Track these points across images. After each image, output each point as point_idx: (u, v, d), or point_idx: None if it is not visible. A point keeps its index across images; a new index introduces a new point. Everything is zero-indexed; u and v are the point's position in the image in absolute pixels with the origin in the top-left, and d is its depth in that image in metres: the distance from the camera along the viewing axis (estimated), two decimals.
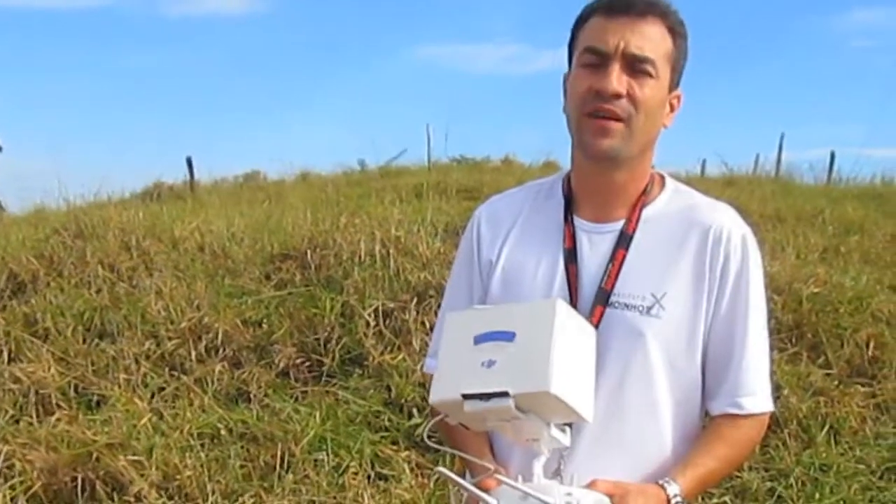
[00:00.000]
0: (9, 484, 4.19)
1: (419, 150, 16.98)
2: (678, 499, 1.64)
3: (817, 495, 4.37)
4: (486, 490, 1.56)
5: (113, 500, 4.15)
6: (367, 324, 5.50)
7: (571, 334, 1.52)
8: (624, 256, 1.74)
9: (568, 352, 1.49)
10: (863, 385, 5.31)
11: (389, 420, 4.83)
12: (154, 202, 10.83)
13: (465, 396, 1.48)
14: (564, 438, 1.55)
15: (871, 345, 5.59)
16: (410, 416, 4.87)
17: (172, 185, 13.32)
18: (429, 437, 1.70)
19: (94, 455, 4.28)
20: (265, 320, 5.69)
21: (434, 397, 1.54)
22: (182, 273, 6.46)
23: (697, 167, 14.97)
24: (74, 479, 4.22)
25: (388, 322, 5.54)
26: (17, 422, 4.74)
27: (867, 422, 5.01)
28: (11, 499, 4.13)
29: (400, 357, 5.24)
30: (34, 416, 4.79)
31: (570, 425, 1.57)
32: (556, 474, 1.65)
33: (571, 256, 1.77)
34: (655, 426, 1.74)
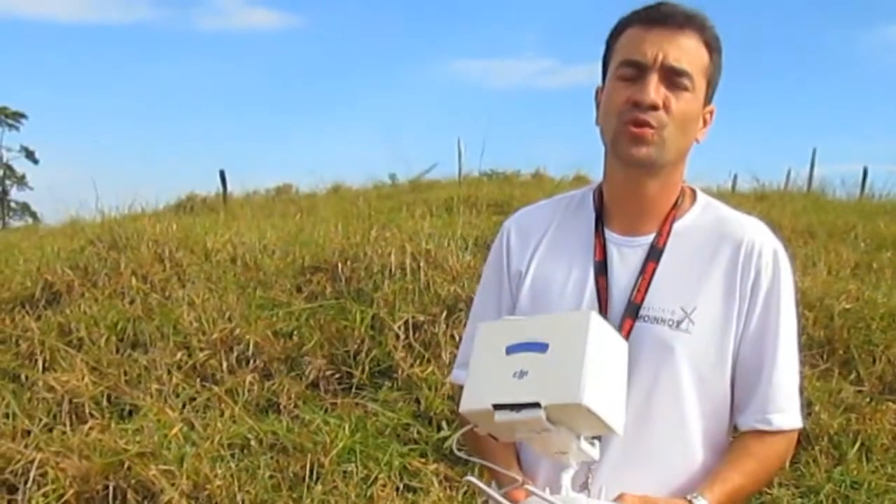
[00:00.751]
0: (42, 491, 4.23)
1: (450, 163, 17.01)
2: None
3: None
4: (514, 501, 1.57)
5: None
6: (397, 336, 5.51)
7: (604, 347, 1.51)
8: (654, 270, 1.74)
9: (600, 364, 1.48)
10: (894, 402, 5.26)
11: (418, 432, 4.84)
12: (187, 214, 10.92)
13: (496, 406, 1.47)
14: (593, 451, 1.54)
15: None
16: (439, 428, 4.88)
17: (205, 197, 13.44)
18: (458, 448, 1.71)
19: (126, 464, 4.31)
20: (296, 332, 5.72)
21: (464, 406, 1.53)
22: (214, 284, 6.51)
23: (729, 182, 14.90)
24: (106, 487, 4.26)
25: (417, 335, 5.55)
26: (51, 430, 4.79)
27: None
28: None
29: (429, 370, 5.25)
30: (67, 424, 4.84)
31: (598, 438, 1.56)
32: (584, 487, 1.65)
33: (601, 269, 1.78)
34: (683, 440, 1.74)
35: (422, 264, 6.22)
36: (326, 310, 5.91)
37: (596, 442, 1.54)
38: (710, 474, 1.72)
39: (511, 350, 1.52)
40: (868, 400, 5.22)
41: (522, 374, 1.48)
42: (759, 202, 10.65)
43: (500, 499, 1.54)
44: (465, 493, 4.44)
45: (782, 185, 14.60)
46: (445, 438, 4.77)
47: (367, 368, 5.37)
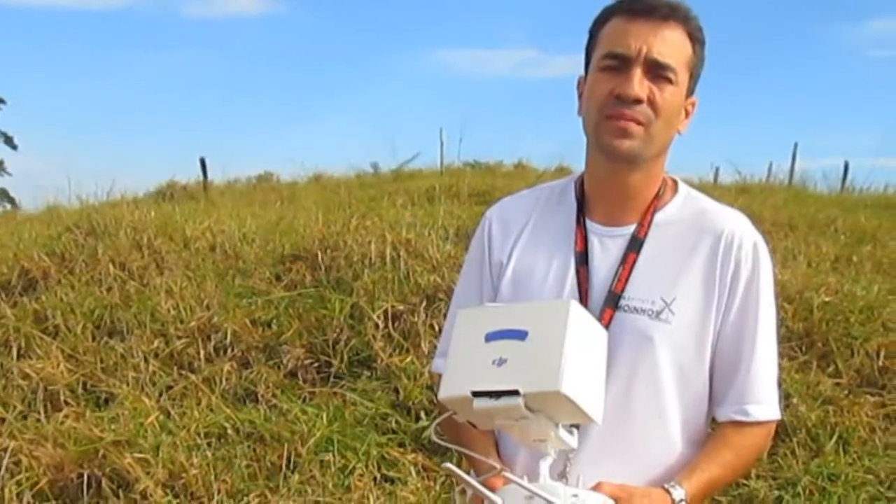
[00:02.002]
0: (15, 479, 4.20)
1: (432, 153, 17.01)
2: (683, 503, 1.64)
3: None
4: (491, 489, 1.55)
5: (119, 497, 4.16)
6: (376, 326, 5.50)
7: (584, 335, 1.51)
8: (635, 260, 1.74)
9: (580, 353, 1.48)
10: (872, 395, 5.28)
11: (397, 422, 4.83)
12: (167, 202, 10.86)
13: (475, 394, 1.46)
14: (572, 440, 1.53)
15: (882, 354, 5.56)
16: (418, 418, 4.87)
17: (186, 185, 13.37)
18: (437, 435, 1.70)
19: (101, 452, 4.28)
20: (274, 321, 5.70)
21: (443, 393, 1.53)
22: (193, 273, 6.47)
23: (710, 174, 14.92)
24: (81, 475, 4.23)
25: (396, 324, 5.54)
26: (25, 418, 4.76)
27: (876, 431, 4.98)
28: (17, 494, 4.14)
29: (408, 359, 5.24)
30: (42, 412, 4.81)
31: (577, 427, 1.56)
32: (562, 476, 1.64)
33: (582, 259, 1.77)
34: (662, 430, 1.74)
35: (402, 254, 6.21)
36: (305, 299, 5.89)
37: (574, 431, 1.54)
38: (688, 464, 1.72)
39: (490, 337, 1.51)
40: (846, 393, 5.24)
41: (501, 361, 1.47)
42: (740, 195, 10.67)
43: (478, 486, 1.53)
44: (442, 482, 4.43)
45: (764, 178, 14.68)
46: (424, 428, 4.76)
47: (345, 358, 5.35)
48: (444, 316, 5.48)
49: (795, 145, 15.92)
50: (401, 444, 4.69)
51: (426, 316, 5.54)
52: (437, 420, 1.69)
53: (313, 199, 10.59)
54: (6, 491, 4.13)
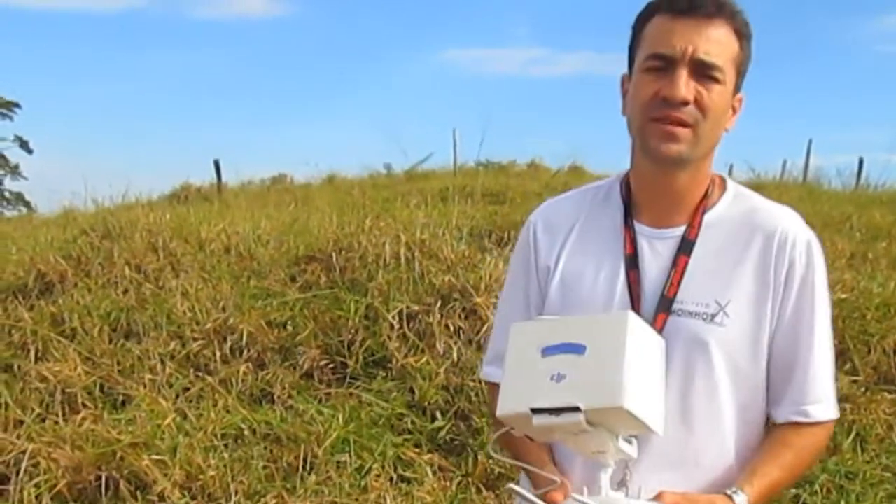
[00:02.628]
0: (34, 482, 4.21)
1: (444, 153, 17.01)
2: None
3: (843, 503, 4.34)
4: (553, 503, 1.55)
5: (136, 499, 4.17)
6: (391, 326, 5.50)
7: (642, 347, 1.49)
8: (686, 263, 1.71)
9: (640, 365, 1.46)
10: (890, 392, 5.26)
11: (412, 423, 4.83)
12: (181, 204, 10.91)
13: (535, 411, 1.45)
14: (631, 450, 1.52)
15: None
16: (433, 418, 4.87)
17: (200, 187, 13.44)
18: (494, 450, 1.68)
19: (119, 454, 4.29)
20: (290, 322, 5.70)
21: (501, 410, 1.51)
22: (208, 274, 6.49)
23: (725, 172, 14.89)
24: (99, 477, 4.24)
25: (412, 325, 5.53)
26: (43, 420, 4.77)
27: (894, 429, 4.97)
28: (37, 497, 4.16)
29: (423, 360, 5.23)
30: (60, 414, 4.82)
31: (635, 436, 1.54)
32: (622, 485, 1.62)
33: (632, 262, 1.74)
34: (719, 434, 1.72)
35: (416, 254, 6.20)
36: (320, 300, 5.90)
37: (633, 440, 1.53)
38: (748, 468, 1.70)
39: (547, 352, 1.50)
40: (863, 390, 5.22)
41: (560, 376, 1.46)
42: (754, 192, 10.63)
43: None
44: (458, 483, 4.44)
45: (778, 176, 14.63)
46: (440, 429, 4.77)
47: (361, 358, 5.35)
48: (459, 316, 5.54)
49: (810, 142, 15.90)
50: (417, 445, 4.69)
51: (441, 316, 5.54)
52: (495, 436, 1.67)
53: (327, 200, 10.61)
54: (25, 493, 4.14)
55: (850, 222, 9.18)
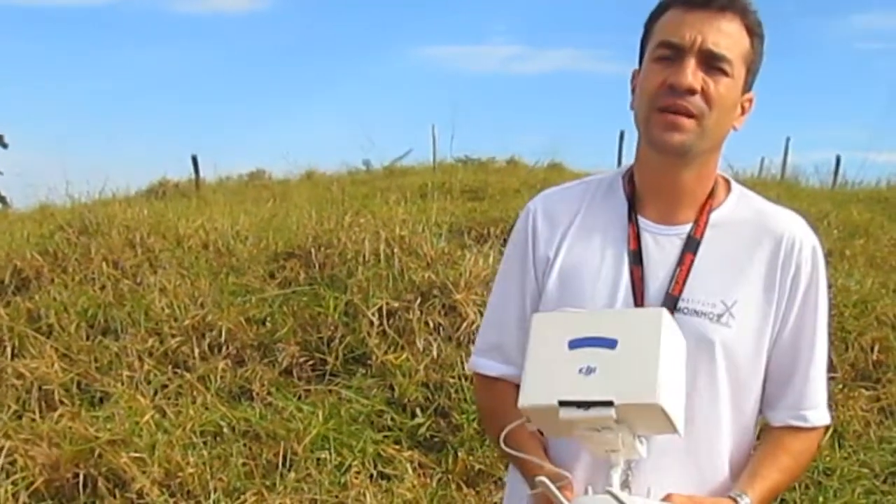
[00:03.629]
0: (11, 480, 4.18)
1: (423, 149, 17.02)
2: None
3: (821, 499, 4.36)
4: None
5: (115, 496, 4.15)
6: (371, 323, 5.48)
7: (673, 346, 1.48)
8: (692, 261, 1.70)
9: (671, 364, 1.45)
10: (867, 389, 5.30)
11: (392, 419, 4.82)
12: (159, 200, 10.86)
13: (563, 403, 1.43)
14: (642, 450, 1.50)
15: (876, 348, 5.59)
16: (413, 415, 4.86)
17: (178, 182, 13.38)
18: (504, 444, 1.66)
19: (97, 451, 4.27)
20: (269, 318, 5.68)
21: (525, 401, 1.48)
22: (186, 271, 6.45)
23: None
24: (76, 475, 4.22)
25: (391, 321, 5.52)
26: (20, 417, 4.73)
27: (871, 426, 5.00)
28: (13, 494, 4.13)
29: (403, 357, 5.22)
30: (37, 411, 4.78)
31: (646, 436, 1.52)
32: (625, 485, 1.59)
33: (637, 258, 1.72)
34: (718, 436, 1.71)
35: (396, 251, 6.19)
36: (300, 296, 5.88)
37: (644, 440, 1.51)
38: (748, 471, 1.70)
39: (575, 344, 1.47)
40: (841, 387, 5.25)
41: (590, 370, 1.44)
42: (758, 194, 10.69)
43: (565, 502, 1.49)
44: (439, 479, 4.43)
45: (756, 173, 14.70)
46: (420, 425, 4.76)
47: (340, 355, 5.34)
48: (439, 313, 5.53)
49: (787, 140, 16.01)
50: (397, 442, 4.68)
51: (421, 313, 5.52)
52: (508, 428, 1.62)
53: (306, 196, 10.59)
54: (1, 491, 4.11)
55: (827, 220, 9.22)
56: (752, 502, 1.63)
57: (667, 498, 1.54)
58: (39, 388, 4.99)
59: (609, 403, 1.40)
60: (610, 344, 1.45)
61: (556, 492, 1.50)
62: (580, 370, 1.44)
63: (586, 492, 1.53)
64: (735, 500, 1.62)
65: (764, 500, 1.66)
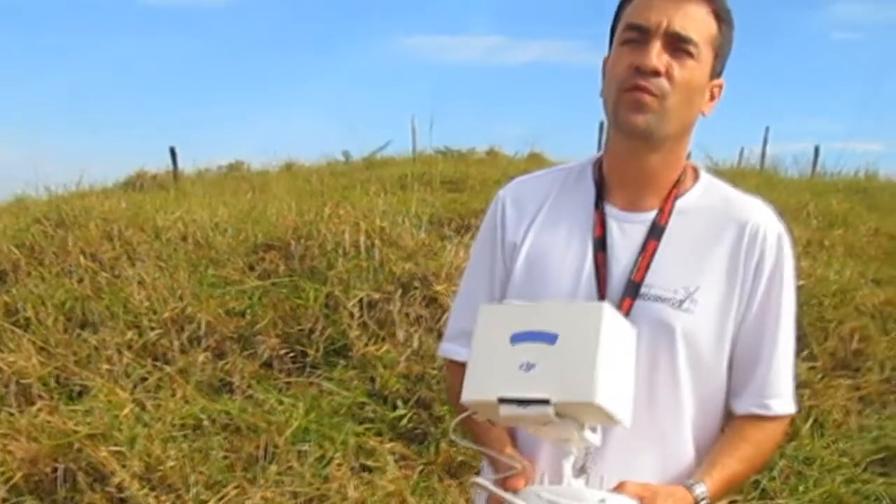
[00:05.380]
0: None
1: (403, 140, 16.98)
2: (705, 501, 1.61)
3: (801, 488, 4.38)
4: (513, 487, 1.53)
5: (94, 490, 4.12)
6: (352, 315, 5.47)
7: (616, 339, 1.47)
8: (655, 248, 1.70)
9: (612, 359, 1.43)
10: (847, 378, 5.33)
11: (374, 411, 4.81)
12: (137, 192, 10.80)
13: (502, 400, 1.42)
14: (595, 439, 1.50)
15: (856, 338, 5.62)
16: (395, 407, 4.85)
17: (156, 174, 13.29)
18: (455, 434, 1.65)
19: (76, 445, 4.24)
20: (248, 311, 5.66)
21: (467, 396, 1.48)
22: (165, 263, 6.42)
23: None
24: (55, 469, 4.19)
25: (372, 313, 5.51)
26: None
27: (851, 414, 5.03)
28: None
29: (384, 348, 5.22)
30: (15, 406, 4.75)
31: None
32: (583, 472, 1.59)
33: (601, 245, 1.72)
34: (679, 423, 1.71)
35: (376, 242, 6.18)
36: (279, 288, 5.86)
37: (598, 428, 1.50)
38: (707, 460, 1.69)
39: (517, 339, 1.46)
40: (820, 376, 5.27)
41: (529, 366, 1.42)
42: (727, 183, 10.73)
43: (508, 496, 1.49)
44: (420, 471, 4.43)
45: (736, 163, 14.74)
46: (401, 417, 4.75)
47: (321, 347, 5.32)
48: (420, 304, 5.53)
49: (767, 130, 16.03)
50: (378, 433, 4.67)
51: (401, 304, 5.52)
52: (456, 420, 1.62)
53: (285, 187, 10.54)
54: None
55: (806, 210, 9.27)
56: (708, 490, 1.62)
57: (619, 486, 1.53)
58: (17, 383, 4.95)
59: (546, 401, 1.40)
60: (550, 339, 1.44)
61: (492, 487, 1.51)
62: (520, 366, 1.43)
63: (542, 480, 1.52)
64: (689, 489, 1.61)
65: (721, 488, 1.65)
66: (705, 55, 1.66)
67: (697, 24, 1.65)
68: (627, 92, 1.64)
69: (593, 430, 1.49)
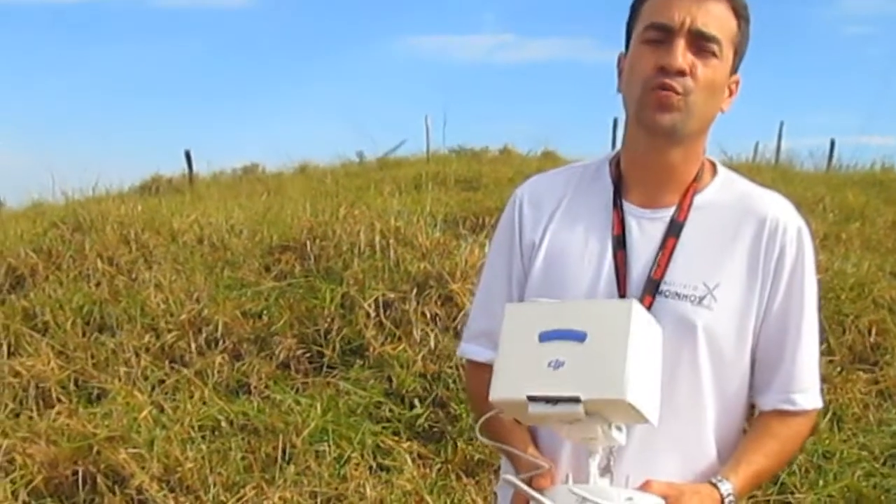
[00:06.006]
0: (9, 478, 4.17)
1: (416, 140, 16.98)
2: (731, 498, 1.61)
3: (821, 482, 4.36)
4: (538, 487, 1.53)
5: (114, 493, 4.14)
6: (368, 314, 5.47)
7: (644, 337, 1.47)
8: (674, 245, 1.69)
9: (641, 356, 1.44)
10: (865, 371, 5.30)
11: (391, 411, 4.81)
12: (153, 195, 10.84)
13: (531, 398, 1.42)
14: (621, 437, 1.49)
15: (873, 331, 5.58)
16: (412, 406, 4.86)
17: (171, 178, 13.37)
18: (481, 433, 1.65)
19: (95, 448, 4.26)
20: (265, 312, 5.67)
21: (495, 395, 1.48)
22: (181, 266, 6.44)
23: None
24: (75, 472, 4.21)
25: (388, 313, 5.51)
26: (17, 416, 4.73)
27: (870, 408, 5.00)
28: (12, 492, 4.12)
29: (400, 347, 5.22)
30: (34, 409, 4.78)
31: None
32: (607, 471, 1.58)
33: (620, 243, 1.71)
34: (701, 420, 1.70)
35: (391, 242, 6.18)
36: (295, 289, 5.87)
37: (623, 427, 1.50)
38: (733, 456, 1.69)
39: (545, 337, 1.46)
40: (839, 370, 5.25)
41: (558, 364, 1.43)
42: (745, 178, 10.70)
43: (537, 495, 1.49)
44: (438, 469, 4.43)
45: (751, 158, 14.68)
46: (418, 416, 4.76)
47: (337, 347, 5.33)
48: (436, 303, 5.52)
49: (781, 124, 16.01)
50: (395, 433, 4.68)
51: (417, 304, 5.52)
52: (482, 419, 1.63)
53: (300, 189, 10.57)
54: (1, 489, 4.10)
55: (822, 203, 9.22)
56: (734, 487, 1.61)
57: (645, 485, 1.53)
58: (36, 386, 4.98)
59: (577, 399, 1.39)
60: (579, 337, 1.44)
61: (522, 486, 1.51)
62: (549, 364, 1.43)
63: (567, 480, 1.52)
64: (715, 486, 1.60)
65: (747, 485, 1.65)
66: (727, 53, 1.66)
67: (720, 22, 1.64)
68: (653, 91, 1.63)
69: (619, 428, 1.49)
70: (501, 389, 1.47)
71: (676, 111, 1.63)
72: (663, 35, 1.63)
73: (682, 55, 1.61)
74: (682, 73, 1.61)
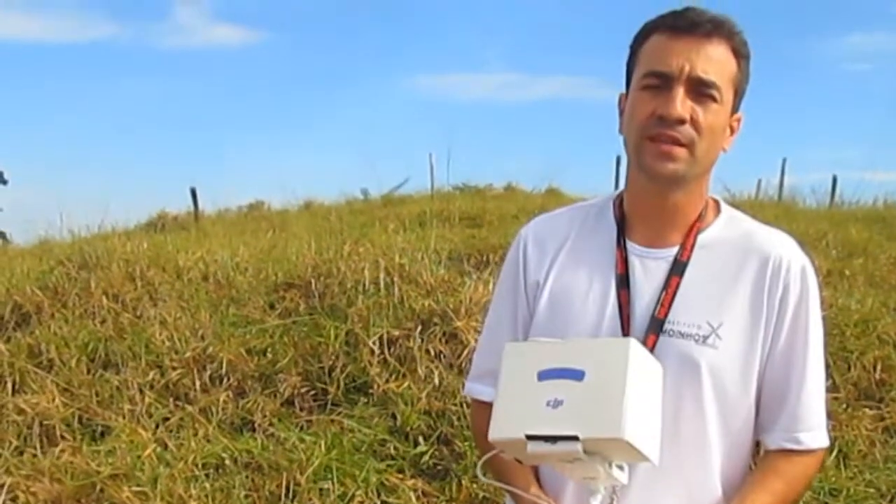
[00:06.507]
0: None
1: (419, 178, 17.05)
2: None
3: None
4: None
5: None
6: (372, 352, 5.47)
7: (643, 375, 1.47)
8: (678, 284, 1.69)
9: (640, 395, 1.44)
10: (870, 408, 5.28)
11: (395, 448, 4.80)
12: (158, 233, 10.88)
13: (530, 437, 1.43)
14: (623, 476, 1.50)
15: (878, 367, 5.56)
16: (416, 444, 4.84)
17: (177, 215, 13.43)
18: (483, 473, 1.65)
19: (99, 486, 4.25)
20: (269, 349, 5.67)
21: (494, 434, 1.49)
22: (186, 303, 6.45)
23: None
24: None
25: (392, 350, 5.51)
26: (21, 453, 4.72)
27: (876, 445, 4.98)
28: None
29: (405, 385, 5.21)
30: (38, 447, 4.77)
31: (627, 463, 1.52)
32: None
33: (623, 282, 1.72)
34: (707, 459, 1.70)
35: (395, 279, 6.19)
36: (300, 326, 5.87)
37: (625, 466, 1.50)
38: (738, 495, 1.68)
39: (544, 376, 1.47)
40: (844, 406, 5.23)
41: (557, 403, 1.43)
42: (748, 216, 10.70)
43: None
44: None
45: (753, 195, 14.72)
46: (423, 454, 4.74)
47: (342, 384, 5.32)
48: (440, 340, 5.52)
49: (784, 161, 16.07)
50: (400, 470, 4.66)
51: (421, 341, 5.51)
52: (483, 459, 1.63)
53: (304, 226, 10.59)
54: None
55: (825, 240, 9.22)
56: None
57: None
58: (40, 424, 4.97)
59: (575, 438, 1.40)
60: (578, 375, 1.44)
61: None
62: (548, 403, 1.44)
63: None
64: None
65: None
66: (727, 95, 1.67)
67: (719, 67, 1.64)
68: (653, 141, 1.64)
69: (620, 467, 1.49)
70: (500, 429, 1.48)
71: (680, 161, 1.64)
72: (662, 82, 1.64)
73: (681, 103, 1.61)
74: (681, 122, 1.61)
